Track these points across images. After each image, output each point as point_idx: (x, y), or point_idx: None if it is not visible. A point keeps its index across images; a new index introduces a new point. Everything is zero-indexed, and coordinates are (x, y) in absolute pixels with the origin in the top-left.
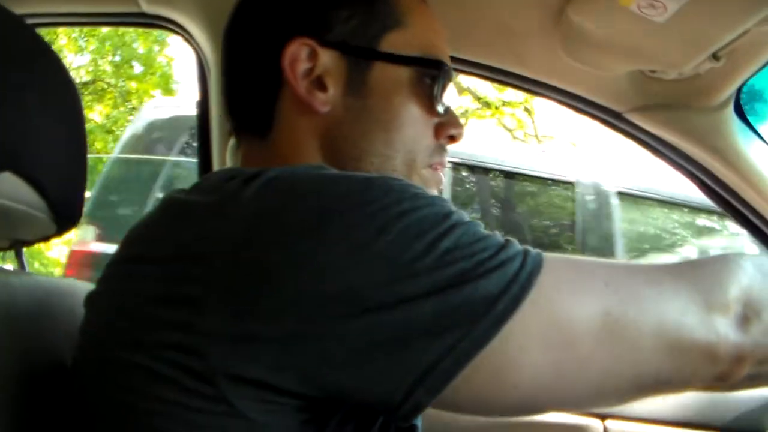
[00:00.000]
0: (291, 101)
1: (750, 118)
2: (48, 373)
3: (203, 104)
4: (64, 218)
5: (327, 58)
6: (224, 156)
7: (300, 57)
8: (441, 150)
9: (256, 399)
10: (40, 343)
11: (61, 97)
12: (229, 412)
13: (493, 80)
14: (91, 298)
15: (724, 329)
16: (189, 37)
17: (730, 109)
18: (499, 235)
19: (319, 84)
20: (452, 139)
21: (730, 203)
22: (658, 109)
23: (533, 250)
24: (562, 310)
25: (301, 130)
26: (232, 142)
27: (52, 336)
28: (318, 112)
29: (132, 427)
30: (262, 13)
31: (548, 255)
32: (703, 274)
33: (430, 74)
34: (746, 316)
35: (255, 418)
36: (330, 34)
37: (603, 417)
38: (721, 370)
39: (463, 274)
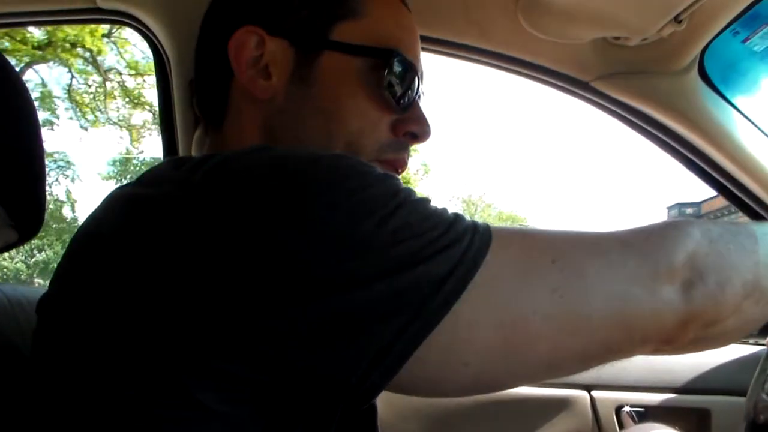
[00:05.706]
0: (239, 90)
1: (714, 80)
2: (15, 382)
3: (165, 97)
4: (25, 226)
5: (275, 46)
6: (190, 149)
7: (248, 45)
8: (399, 146)
9: (217, 389)
10: (6, 352)
11: (13, 101)
12: (194, 405)
13: (455, 57)
14: (43, 302)
15: (669, 296)
16: (146, 31)
17: (695, 72)
18: (448, 211)
19: (265, 73)
20: (414, 137)
21: (697, 165)
22: (624, 76)
23: (482, 226)
24: (509, 289)
25: (247, 120)
26: (197, 134)
27: (19, 345)
28: (259, 99)
29: (96, 428)
30: (217, 4)
31: (497, 229)
32: (651, 242)
33: (382, 65)
34: (691, 281)
35: (218, 409)
36: (279, 22)
37: (589, 388)
38: (668, 335)
39: (413, 255)
